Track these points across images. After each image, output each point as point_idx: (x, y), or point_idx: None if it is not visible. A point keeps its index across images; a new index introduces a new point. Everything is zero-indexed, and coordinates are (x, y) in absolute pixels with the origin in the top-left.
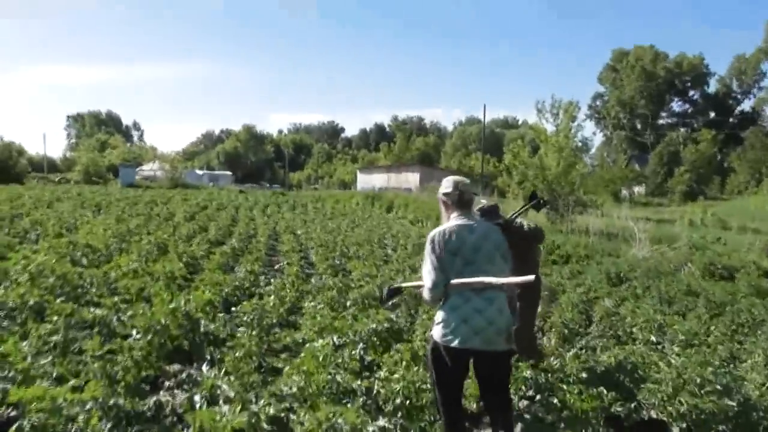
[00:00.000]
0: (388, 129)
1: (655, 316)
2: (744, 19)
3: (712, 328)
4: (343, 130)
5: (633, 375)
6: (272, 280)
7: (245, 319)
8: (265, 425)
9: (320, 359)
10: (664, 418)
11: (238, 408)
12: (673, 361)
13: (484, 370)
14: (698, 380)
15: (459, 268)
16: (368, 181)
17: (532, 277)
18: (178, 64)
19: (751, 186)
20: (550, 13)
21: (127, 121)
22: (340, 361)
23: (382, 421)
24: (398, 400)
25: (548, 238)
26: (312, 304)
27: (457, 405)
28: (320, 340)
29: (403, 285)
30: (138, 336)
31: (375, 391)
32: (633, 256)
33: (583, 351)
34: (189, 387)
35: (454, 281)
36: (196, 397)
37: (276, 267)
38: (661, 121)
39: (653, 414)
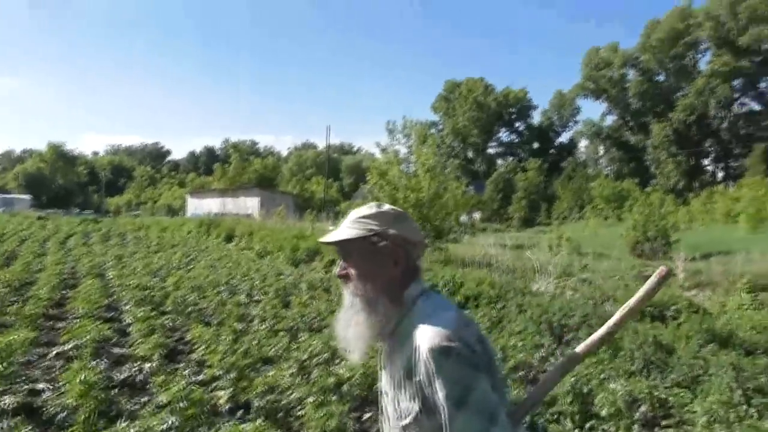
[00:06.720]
0: (219, 152)
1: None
2: (565, 53)
3: None
4: (169, 152)
5: None
6: (52, 378)
7: None
8: None
9: None
10: None
11: None
12: None
13: None
14: None
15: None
16: (200, 206)
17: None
18: None
19: (574, 212)
20: (375, 44)
21: None
22: None
23: None
24: None
25: (435, 271)
26: None
27: None
28: None
29: None
30: None
31: None
32: (542, 293)
33: None
34: None
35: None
36: None
37: None
38: (490, 150)
39: None
